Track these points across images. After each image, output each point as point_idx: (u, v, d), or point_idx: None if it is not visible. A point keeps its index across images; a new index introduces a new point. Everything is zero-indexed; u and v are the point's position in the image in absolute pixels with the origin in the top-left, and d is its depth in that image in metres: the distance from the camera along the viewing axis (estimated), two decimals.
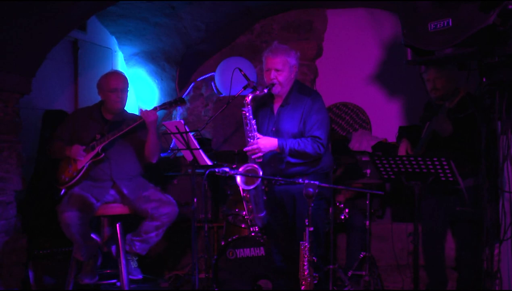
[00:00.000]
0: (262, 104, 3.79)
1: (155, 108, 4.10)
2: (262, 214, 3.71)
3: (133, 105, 5.72)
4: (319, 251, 3.65)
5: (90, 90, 4.62)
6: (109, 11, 4.89)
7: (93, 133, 4.12)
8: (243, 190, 3.56)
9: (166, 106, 4.14)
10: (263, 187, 3.67)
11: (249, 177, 3.52)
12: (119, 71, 4.45)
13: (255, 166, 3.51)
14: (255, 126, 3.61)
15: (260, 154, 3.54)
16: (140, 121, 4.07)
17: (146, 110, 4.07)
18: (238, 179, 3.52)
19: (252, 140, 3.57)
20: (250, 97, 3.58)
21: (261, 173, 3.46)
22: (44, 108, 4.70)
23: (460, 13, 2.53)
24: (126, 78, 4.24)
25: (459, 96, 3.65)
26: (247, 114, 3.58)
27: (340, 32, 5.74)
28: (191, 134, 3.79)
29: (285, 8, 5.64)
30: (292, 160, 3.57)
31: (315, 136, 3.54)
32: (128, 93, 4.26)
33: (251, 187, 3.50)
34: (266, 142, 3.54)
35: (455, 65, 3.23)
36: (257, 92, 3.62)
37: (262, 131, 3.67)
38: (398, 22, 2.87)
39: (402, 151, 3.98)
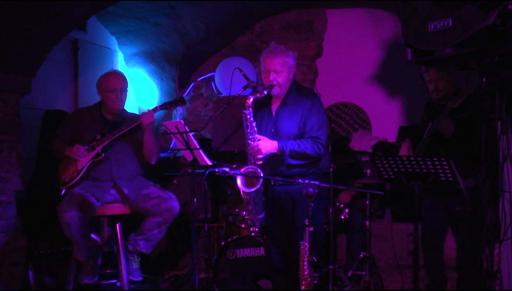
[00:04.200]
0: (260, 106, 3.76)
1: (155, 108, 4.10)
2: (261, 216, 3.71)
3: (133, 105, 5.72)
4: (319, 251, 3.64)
5: (90, 90, 4.62)
6: (109, 11, 4.89)
7: (93, 133, 4.12)
8: (243, 192, 3.55)
9: (167, 106, 4.13)
10: (262, 188, 3.67)
11: (249, 177, 3.51)
12: (119, 71, 4.44)
13: (256, 168, 3.50)
14: (255, 128, 3.58)
15: (260, 156, 3.53)
16: (139, 122, 4.07)
17: (144, 112, 4.08)
18: (239, 181, 3.51)
19: (252, 143, 3.56)
20: (251, 99, 3.55)
21: (261, 175, 3.45)
22: (44, 108, 4.70)
23: (460, 13, 2.52)
24: (125, 78, 4.24)
25: (462, 98, 3.63)
26: (248, 116, 3.56)
27: (340, 32, 5.74)
28: (191, 134, 3.78)
29: (285, 8, 5.64)
30: (293, 161, 3.56)
31: (315, 137, 3.54)
32: (128, 93, 4.26)
33: (252, 190, 3.49)
34: (266, 145, 3.53)
35: (455, 65, 3.22)
36: (258, 95, 3.59)
37: (261, 132, 3.64)
38: (398, 22, 2.87)
39: (403, 151, 3.98)
